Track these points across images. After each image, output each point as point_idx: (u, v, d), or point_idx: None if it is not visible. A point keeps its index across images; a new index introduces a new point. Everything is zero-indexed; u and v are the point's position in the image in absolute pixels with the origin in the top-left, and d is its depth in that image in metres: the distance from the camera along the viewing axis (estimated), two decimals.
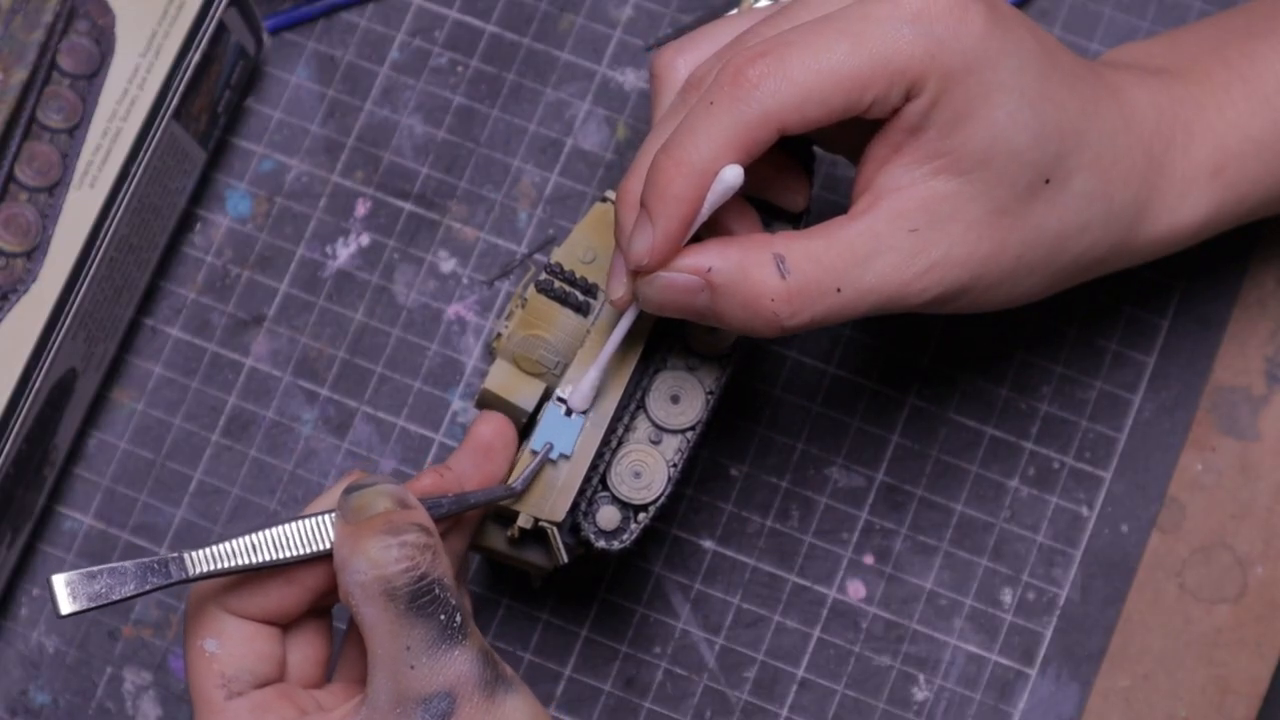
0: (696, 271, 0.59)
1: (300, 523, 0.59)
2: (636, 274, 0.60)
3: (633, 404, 0.63)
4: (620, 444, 0.63)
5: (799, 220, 0.65)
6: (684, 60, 0.63)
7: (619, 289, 0.60)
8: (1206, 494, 0.72)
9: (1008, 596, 0.71)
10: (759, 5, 0.75)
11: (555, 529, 0.62)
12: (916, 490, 0.72)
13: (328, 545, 0.59)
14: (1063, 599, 0.71)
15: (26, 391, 0.66)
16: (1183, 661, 0.71)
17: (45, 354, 0.67)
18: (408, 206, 0.74)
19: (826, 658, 0.71)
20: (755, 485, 0.72)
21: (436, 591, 0.57)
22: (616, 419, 0.63)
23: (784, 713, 0.71)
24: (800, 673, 0.71)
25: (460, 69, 0.75)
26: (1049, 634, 0.71)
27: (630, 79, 0.75)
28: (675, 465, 0.63)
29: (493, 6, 0.76)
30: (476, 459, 0.63)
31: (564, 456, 0.63)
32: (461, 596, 0.60)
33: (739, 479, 0.72)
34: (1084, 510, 0.72)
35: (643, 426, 0.64)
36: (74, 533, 0.72)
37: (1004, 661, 0.71)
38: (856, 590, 0.71)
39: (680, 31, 0.75)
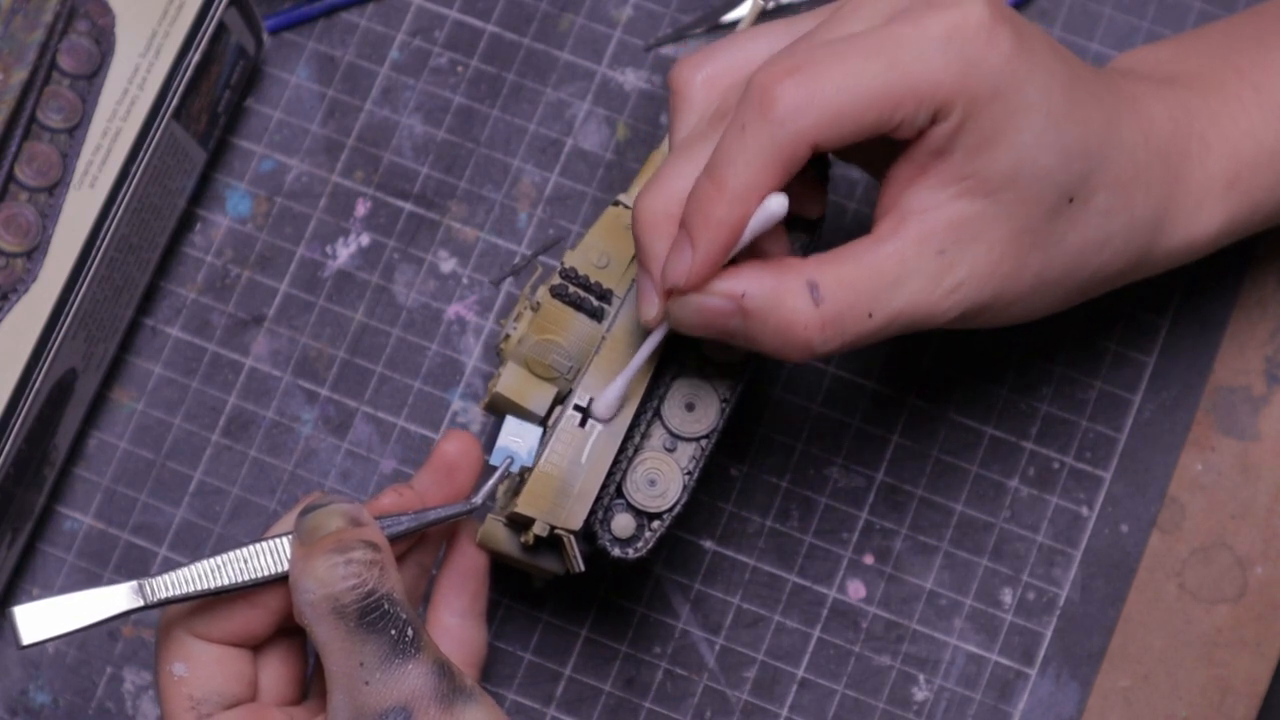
0: (731, 296, 0.58)
1: (259, 545, 0.59)
2: (669, 295, 0.59)
3: (649, 412, 0.63)
4: (636, 452, 0.63)
5: (814, 227, 0.64)
6: (702, 75, 0.62)
7: (650, 310, 0.60)
8: (1206, 494, 0.72)
9: (1008, 596, 0.71)
10: (769, 6, 0.75)
11: (571, 537, 0.62)
12: (916, 490, 0.72)
13: (286, 567, 0.59)
14: (1063, 599, 0.71)
15: (26, 391, 0.66)
16: (1183, 661, 0.71)
17: (45, 354, 0.67)
18: (408, 206, 0.74)
19: (826, 658, 0.71)
20: (755, 485, 0.72)
21: (386, 607, 0.57)
22: (633, 427, 0.63)
23: (784, 713, 0.71)
24: (800, 673, 0.71)
25: (460, 69, 0.75)
26: (1049, 634, 0.71)
27: (630, 79, 0.75)
28: (690, 473, 0.63)
29: (493, 6, 0.76)
30: (439, 477, 0.63)
31: (525, 468, 0.63)
32: (415, 611, 0.60)
33: (739, 479, 0.72)
34: (1084, 510, 0.72)
35: (658, 434, 0.64)
36: (74, 533, 0.72)
37: (1004, 661, 0.71)
38: (856, 590, 0.71)
39: (680, 31, 0.75)
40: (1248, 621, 0.71)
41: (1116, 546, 0.72)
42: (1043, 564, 0.72)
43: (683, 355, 0.64)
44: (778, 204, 0.58)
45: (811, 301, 0.58)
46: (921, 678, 0.71)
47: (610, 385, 0.62)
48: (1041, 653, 0.71)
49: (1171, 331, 0.73)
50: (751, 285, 0.58)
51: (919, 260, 0.59)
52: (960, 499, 0.72)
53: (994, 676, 0.71)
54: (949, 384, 0.73)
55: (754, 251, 0.60)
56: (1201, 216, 0.64)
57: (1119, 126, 0.61)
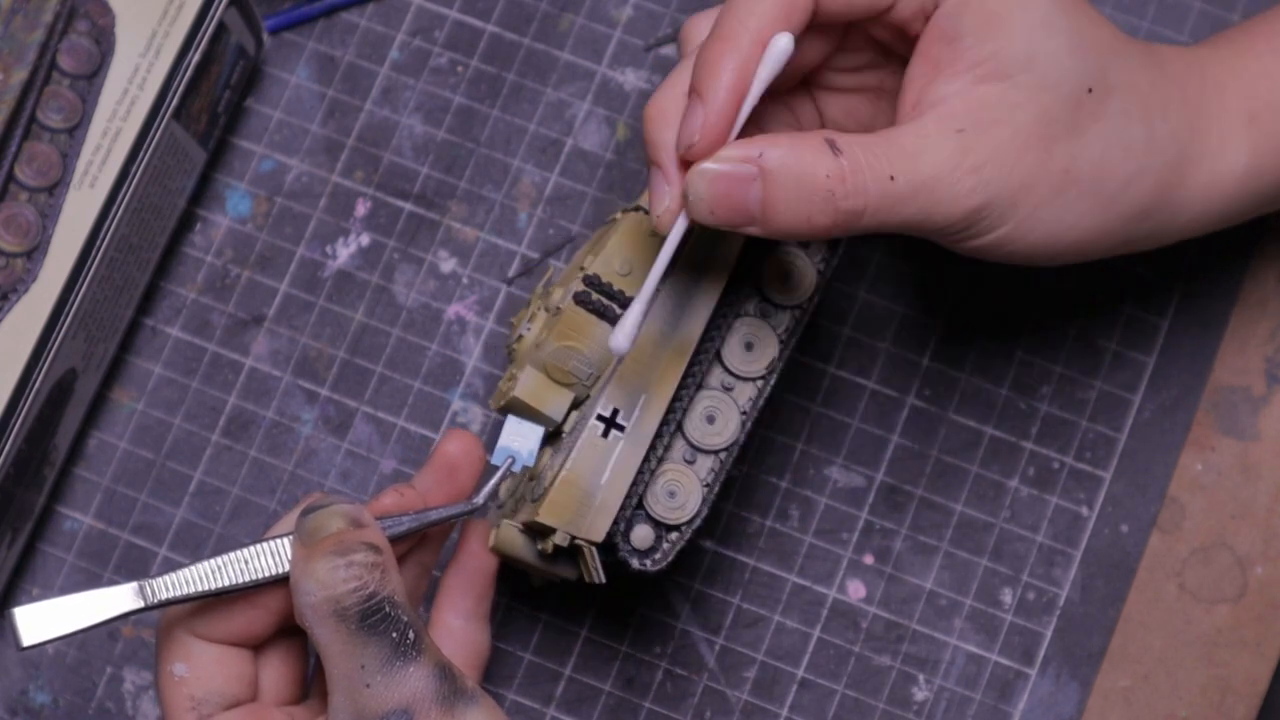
0: (748, 159, 0.57)
1: (260, 546, 0.59)
2: (686, 163, 0.58)
3: (670, 424, 0.63)
4: (658, 463, 0.63)
5: (837, 242, 0.64)
6: (708, 24, 0.62)
7: (662, 199, 0.59)
8: (1206, 494, 0.72)
9: (1008, 596, 0.71)
10: None
11: (593, 549, 0.62)
12: (916, 490, 0.72)
13: (287, 568, 0.59)
14: (1063, 599, 0.71)
15: (26, 391, 0.66)
16: (1183, 661, 0.71)
17: (45, 354, 0.67)
18: (408, 206, 0.74)
19: (826, 658, 0.71)
20: (755, 485, 0.72)
21: (387, 610, 0.57)
22: (657, 437, 0.63)
23: (784, 713, 0.71)
24: (800, 673, 0.71)
25: (460, 69, 0.75)
26: (1049, 634, 0.71)
27: (630, 79, 0.75)
28: (709, 486, 0.63)
29: (493, 6, 0.76)
30: (440, 477, 0.63)
31: (526, 468, 0.63)
32: (417, 612, 0.60)
33: (739, 479, 0.72)
34: (1084, 510, 0.72)
35: (679, 446, 0.63)
36: (74, 533, 0.72)
37: (1004, 661, 0.71)
38: (856, 590, 0.71)
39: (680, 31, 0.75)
40: (1248, 621, 0.71)
41: (1116, 546, 0.72)
42: (1043, 564, 0.72)
43: (706, 367, 0.63)
44: (784, 42, 0.57)
45: (831, 154, 0.57)
46: (921, 678, 0.71)
47: (628, 313, 0.60)
48: (1041, 653, 0.71)
49: (1171, 331, 0.73)
50: (768, 146, 0.57)
51: (939, 137, 0.58)
52: (960, 499, 0.72)
53: (994, 676, 0.71)
54: (949, 384, 0.73)
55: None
56: (1226, 151, 0.63)
57: (1129, 46, 0.61)
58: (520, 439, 0.64)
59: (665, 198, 0.59)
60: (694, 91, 0.58)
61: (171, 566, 0.71)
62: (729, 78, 0.57)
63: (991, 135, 0.59)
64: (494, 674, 0.71)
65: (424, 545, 0.63)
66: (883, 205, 0.58)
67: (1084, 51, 0.59)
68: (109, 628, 0.71)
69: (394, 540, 0.60)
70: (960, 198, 0.59)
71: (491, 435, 0.72)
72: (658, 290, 0.62)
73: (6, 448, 0.66)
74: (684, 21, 0.64)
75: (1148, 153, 0.61)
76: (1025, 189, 0.59)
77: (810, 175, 0.57)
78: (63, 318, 0.67)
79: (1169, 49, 0.64)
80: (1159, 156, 0.62)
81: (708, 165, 0.57)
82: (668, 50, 0.75)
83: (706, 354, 0.64)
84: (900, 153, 0.58)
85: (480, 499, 0.62)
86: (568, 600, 0.71)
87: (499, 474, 0.63)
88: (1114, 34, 0.61)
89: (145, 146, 0.68)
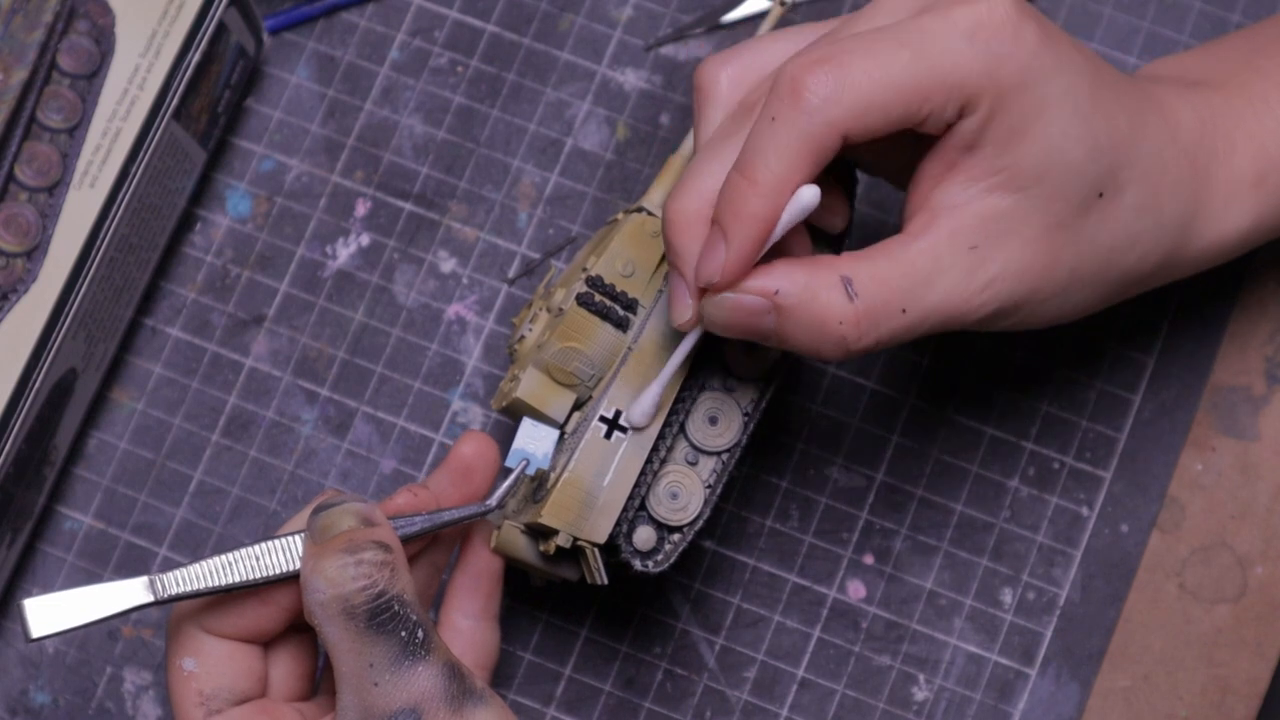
0: (764, 294, 0.58)
1: (272, 543, 0.59)
2: (704, 293, 0.59)
3: (673, 425, 0.63)
4: (660, 464, 0.63)
5: (839, 242, 0.64)
6: (727, 73, 0.62)
7: (684, 312, 0.60)
8: (1206, 494, 0.72)
9: (1008, 596, 0.71)
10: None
11: (595, 550, 0.62)
12: (916, 490, 0.72)
13: (298, 565, 0.59)
14: (1063, 599, 0.71)
15: (26, 391, 0.66)
16: (1183, 661, 0.71)
17: (45, 354, 0.67)
18: (408, 206, 0.74)
19: (826, 658, 0.71)
20: (755, 485, 0.72)
21: (396, 609, 0.57)
22: (659, 439, 0.63)
23: (784, 713, 0.71)
24: (800, 673, 0.71)
25: (460, 69, 0.75)
26: (1049, 634, 0.71)
27: (630, 79, 0.75)
28: (711, 487, 0.63)
29: (493, 6, 0.76)
30: (455, 479, 0.63)
31: (541, 470, 0.63)
32: (427, 612, 0.60)
33: (739, 479, 0.72)
34: (1084, 510, 0.72)
35: (681, 447, 0.63)
36: (74, 533, 0.72)
37: (1004, 661, 0.71)
38: (856, 590, 0.71)
39: (680, 31, 0.75)
40: (1248, 621, 0.71)
41: (1116, 546, 0.72)
42: (1043, 564, 0.72)
43: (707, 368, 0.64)
44: (810, 195, 0.58)
45: (846, 297, 0.58)
46: (921, 678, 0.71)
47: (645, 392, 0.62)
48: (1041, 653, 0.71)
49: (1171, 331, 0.73)
50: (785, 282, 0.58)
51: (952, 256, 0.59)
52: (960, 499, 0.72)
53: (994, 676, 0.71)
54: (949, 384, 0.73)
55: (780, 250, 0.60)
56: (1230, 215, 0.64)
57: (1145, 124, 0.61)
58: (535, 441, 0.64)
59: (687, 310, 0.60)
60: (717, 225, 0.58)
61: (171, 566, 0.71)
62: (753, 226, 0.58)
63: (1003, 249, 0.59)
64: (495, 674, 0.71)
65: (436, 546, 0.63)
66: (894, 336, 0.59)
67: (1099, 157, 0.60)
68: (109, 627, 0.71)
69: (406, 540, 0.60)
70: (970, 312, 0.60)
71: (491, 435, 0.72)
72: (675, 375, 0.63)
73: (6, 448, 0.66)
74: (698, 65, 0.64)
75: (1154, 238, 0.62)
76: (1032, 292, 0.60)
77: (823, 321, 0.58)
78: (63, 318, 0.67)
79: (1182, 102, 0.63)
80: (1165, 237, 0.63)
81: (726, 295, 0.59)
82: (668, 50, 0.75)
83: (708, 354, 0.64)
84: (914, 279, 0.59)
85: (494, 501, 0.62)
86: (568, 600, 0.71)
87: (513, 476, 0.63)
88: (1131, 116, 0.61)
89: (145, 146, 0.68)
